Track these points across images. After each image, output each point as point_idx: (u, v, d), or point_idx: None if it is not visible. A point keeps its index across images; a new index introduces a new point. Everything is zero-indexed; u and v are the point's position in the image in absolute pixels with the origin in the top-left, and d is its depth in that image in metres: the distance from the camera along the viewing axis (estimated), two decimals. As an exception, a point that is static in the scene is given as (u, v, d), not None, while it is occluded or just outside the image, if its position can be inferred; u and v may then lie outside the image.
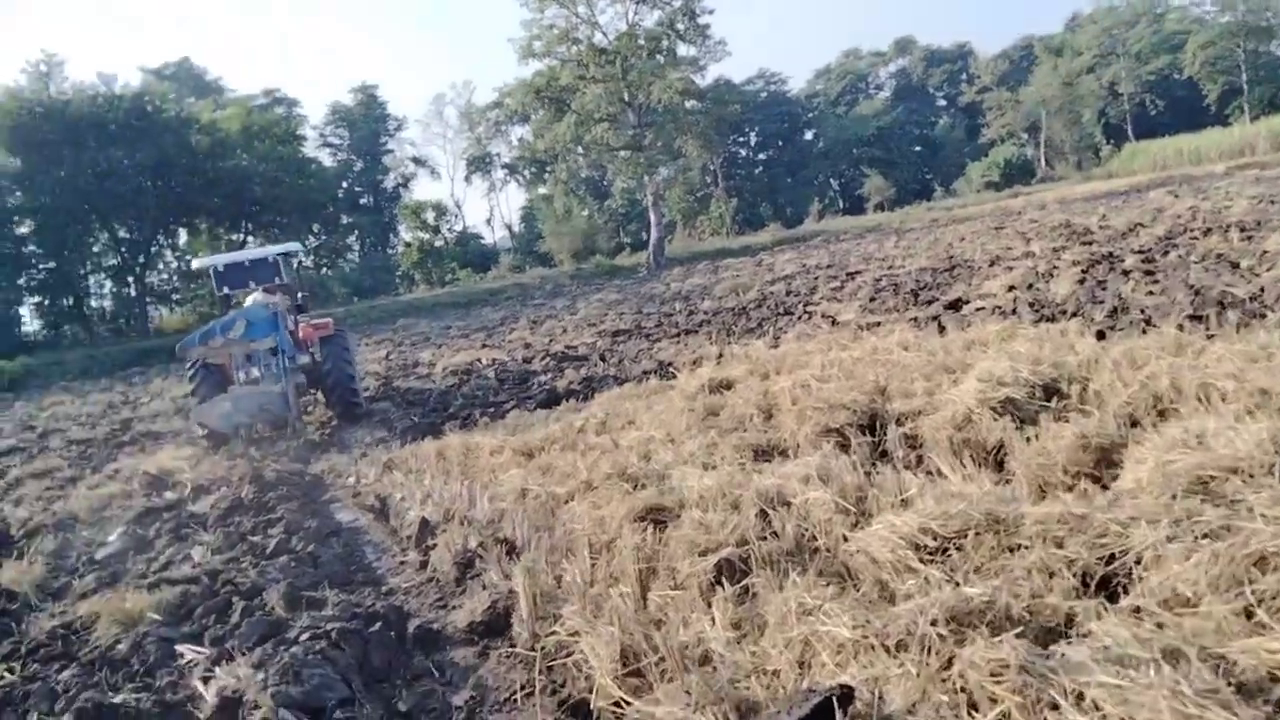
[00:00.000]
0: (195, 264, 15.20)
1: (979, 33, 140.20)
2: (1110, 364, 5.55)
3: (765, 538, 3.79)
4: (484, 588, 4.47)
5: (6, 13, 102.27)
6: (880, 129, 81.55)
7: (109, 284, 52.62)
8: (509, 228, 77.68)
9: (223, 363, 12.00)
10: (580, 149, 48.63)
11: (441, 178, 80.00)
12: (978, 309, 10.48)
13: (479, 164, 78.42)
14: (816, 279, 20.44)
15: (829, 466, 4.62)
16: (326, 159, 70.99)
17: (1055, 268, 13.63)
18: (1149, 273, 11.41)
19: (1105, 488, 3.86)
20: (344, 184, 71.62)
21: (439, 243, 55.18)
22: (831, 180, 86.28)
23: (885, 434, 5.32)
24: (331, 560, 5.24)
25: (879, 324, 10.56)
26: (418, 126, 79.30)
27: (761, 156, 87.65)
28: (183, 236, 53.62)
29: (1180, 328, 6.77)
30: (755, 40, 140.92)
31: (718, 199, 62.57)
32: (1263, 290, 8.43)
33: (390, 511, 6.25)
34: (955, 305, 11.50)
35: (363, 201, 76.41)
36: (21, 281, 46.80)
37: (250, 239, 52.94)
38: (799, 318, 13.44)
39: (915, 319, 10.50)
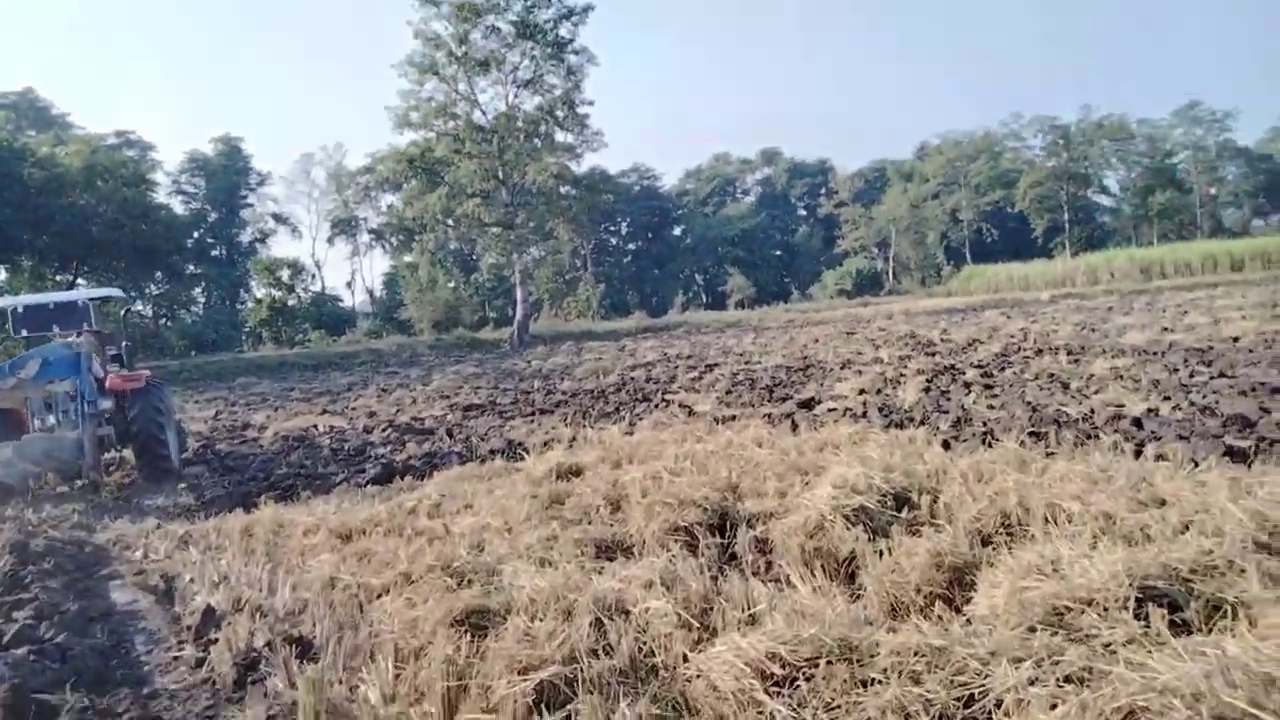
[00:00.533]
0: None
1: (837, 151, 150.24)
2: (959, 476, 5.49)
3: (598, 653, 3.35)
4: (265, 696, 3.78)
5: None
6: (745, 231, 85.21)
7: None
8: (370, 292, 75.54)
9: (16, 407, 10.70)
10: (450, 222, 48.08)
11: (303, 237, 77.26)
12: (830, 409, 10.54)
13: (344, 226, 76.35)
14: (676, 368, 20.48)
15: (675, 570, 4.26)
16: (179, 207, 67.38)
17: (902, 375, 14.07)
18: (988, 386, 11.88)
19: (959, 610, 3.65)
20: (195, 234, 67.96)
21: (292, 301, 52.73)
22: (696, 275, 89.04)
23: (736, 536, 5.01)
24: (87, 654, 4.37)
25: (734, 417, 10.45)
26: (283, 183, 76.34)
27: (631, 246, 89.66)
28: (3, 275, 49.07)
29: (1021, 443, 6.89)
30: (631, 135, 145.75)
31: (586, 282, 63.04)
32: (1093, 412, 8.82)
33: (176, 595, 5.40)
34: (809, 404, 11.58)
35: (214, 254, 72.66)
36: None
37: (81, 281, 49.10)
38: (656, 405, 13.24)
39: (770, 415, 10.44)
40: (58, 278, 47.74)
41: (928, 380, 13.03)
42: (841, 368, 16.98)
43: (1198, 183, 77.35)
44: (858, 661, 2.92)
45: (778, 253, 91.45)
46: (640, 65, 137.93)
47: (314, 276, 65.61)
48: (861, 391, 12.56)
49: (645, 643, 3.47)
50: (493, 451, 9.14)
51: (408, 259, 65.90)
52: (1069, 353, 15.17)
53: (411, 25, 45.42)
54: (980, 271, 68.23)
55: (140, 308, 59.55)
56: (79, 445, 10.13)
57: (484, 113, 47.37)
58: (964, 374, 13.66)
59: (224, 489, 8.65)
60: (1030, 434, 7.63)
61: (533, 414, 14.01)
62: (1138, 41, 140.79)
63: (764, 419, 9.70)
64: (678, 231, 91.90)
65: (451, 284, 54.14)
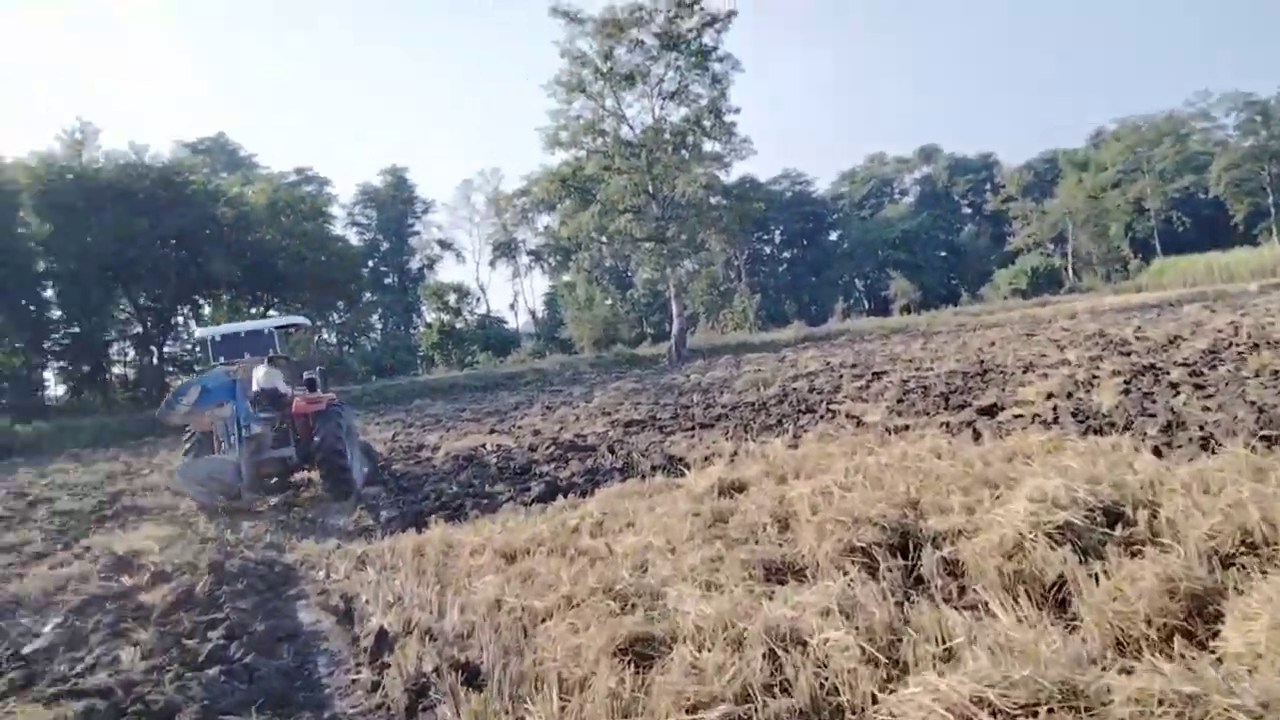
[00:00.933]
0: (196, 334, 15.00)
1: (999, 145, 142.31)
2: (1180, 487, 4.81)
3: (774, 691, 3.04)
4: (434, 725, 3.71)
5: (52, 81, 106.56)
6: (905, 233, 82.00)
7: (131, 352, 52.86)
8: (532, 313, 78.01)
9: (211, 430, 11.57)
10: (604, 239, 48.90)
11: (466, 261, 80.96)
12: (1015, 416, 9.73)
13: (504, 249, 79.31)
14: (841, 377, 19.75)
15: (854, 596, 3.88)
16: (354, 238, 72.07)
17: (1095, 377, 12.89)
18: (1199, 387, 10.66)
19: (1204, 647, 3.09)
20: (369, 263, 72.49)
21: (460, 325, 55.19)
22: (856, 281, 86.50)
23: (920, 557, 4.57)
24: (272, 675, 4.48)
25: (907, 427, 9.83)
26: (445, 210, 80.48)
27: (786, 254, 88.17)
28: (207, 308, 54.08)
29: (1251, 448, 6.01)
30: (781, 140, 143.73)
31: (741, 294, 62.52)
32: (1334, 411, 7.67)
33: (355, 615, 5.50)
34: (990, 411, 10.75)
35: (387, 281, 77.23)
36: (46, 346, 47.20)
37: (271, 312, 53.26)
38: (821, 416, 12.70)
39: (947, 424, 9.76)
40: (252, 310, 52.10)
41: (1126, 382, 11.86)
42: (1024, 371, 15.80)
43: None
44: (1086, 710, 2.48)
45: (942, 254, 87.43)
46: (785, 68, 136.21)
47: (479, 299, 68.51)
48: (1050, 396, 11.56)
49: (826, 679, 3.14)
50: (654, 467, 8.98)
51: (565, 278, 67.65)
52: (1291, 346, 13.48)
53: (558, 45, 46.58)
54: (1174, 263, 62.50)
55: (325, 335, 64.08)
56: (236, 469, 10.70)
57: (631, 127, 47.96)
58: (1168, 374, 12.36)
59: (399, 509, 8.92)
60: (1261, 438, 6.67)
61: (693, 428, 13.79)
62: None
63: (941, 428, 9.06)
64: (834, 237, 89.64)
65: (609, 301, 55.04)
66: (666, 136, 47.12)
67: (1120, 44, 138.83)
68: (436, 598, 5.18)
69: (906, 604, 3.89)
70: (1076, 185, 72.98)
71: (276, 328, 13.09)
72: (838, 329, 50.79)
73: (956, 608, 3.89)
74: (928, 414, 11.49)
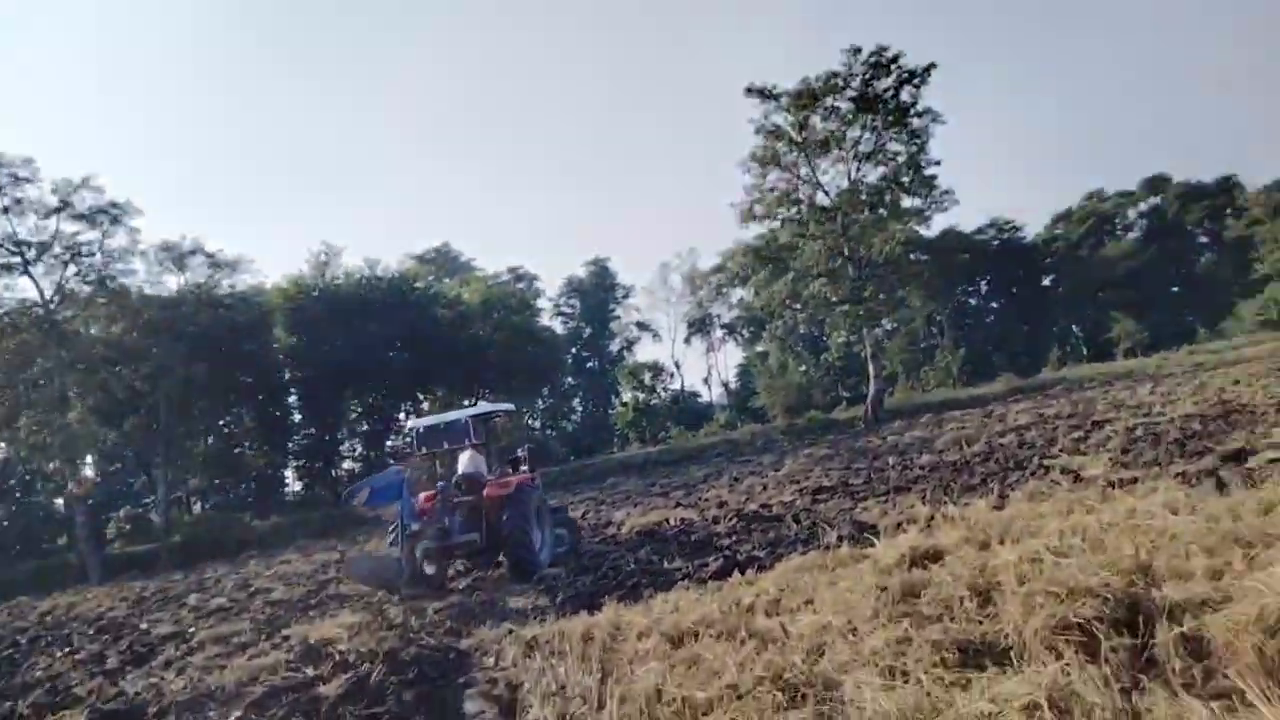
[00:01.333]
0: (407, 425, 16.07)
1: (1238, 166, 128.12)
2: None
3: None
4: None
5: (306, 211, 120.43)
6: (1130, 270, 75.33)
7: (360, 447, 57.45)
8: (725, 385, 78.04)
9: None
10: (798, 305, 48.24)
11: (662, 339, 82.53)
12: (1270, 461, 8.25)
13: (699, 325, 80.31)
14: (1055, 429, 17.95)
15: (1069, 684, 3.19)
16: (559, 327, 75.51)
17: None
18: None
19: None
20: (573, 349, 75.46)
21: (654, 401, 55.91)
22: (1073, 327, 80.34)
23: (1152, 634, 3.74)
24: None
25: (1135, 480, 8.58)
26: (643, 293, 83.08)
27: (993, 305, 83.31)
28: (425, 404, 58.02)
29: None
30: (985, 187, 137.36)
31: (943, 349, 59.46)
32: None
33: (518, 706, 5.27)
34: (1238, 456, 9.23)
35: (589, 365, 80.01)
36: (289, 446, 52.30)
37: (481, 403, 56.15)
38: (1032, 473, 11.43)
39: (1183, 474, 8.43)
40: (465, 402, 55.38)
41: None
42: (1278, 411, 13.68)
43: None
44: None
45: (1174, 289, 79.67)
46: (984, 115, 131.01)
47: (673, 376, 69.37)
48: (1315, 437, 9.83)
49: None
50: (840, 537, 8.28)
51: (758, 348, 67.21)
52: None
53: (753, 122, 46.97)
54: None
55: (530, 420, 66.89)
56: (399, 565, 11.09)
57: (826, 193, 47.34)
58: None
59: (575, 589, 8.72)
60: None
61: (887, 493, 12.84)
62: None
63: (1176, 480, 7.81)
64: (1047, 282, 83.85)
65: (802, 368, 53.94)
66: (863, 197, 46.13)
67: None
68: (597, 686, 4.85)
69: (1136, 693, 3.14)
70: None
71: (473, 416, 13.60)
72: (1052, 379, 46.94)
73: (1200, 697, 3.10)
74: (1159, 464, 10.05)
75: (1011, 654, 3.95)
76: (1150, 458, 10.63)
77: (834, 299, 46.46)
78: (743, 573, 7.46)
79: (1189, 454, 10.41)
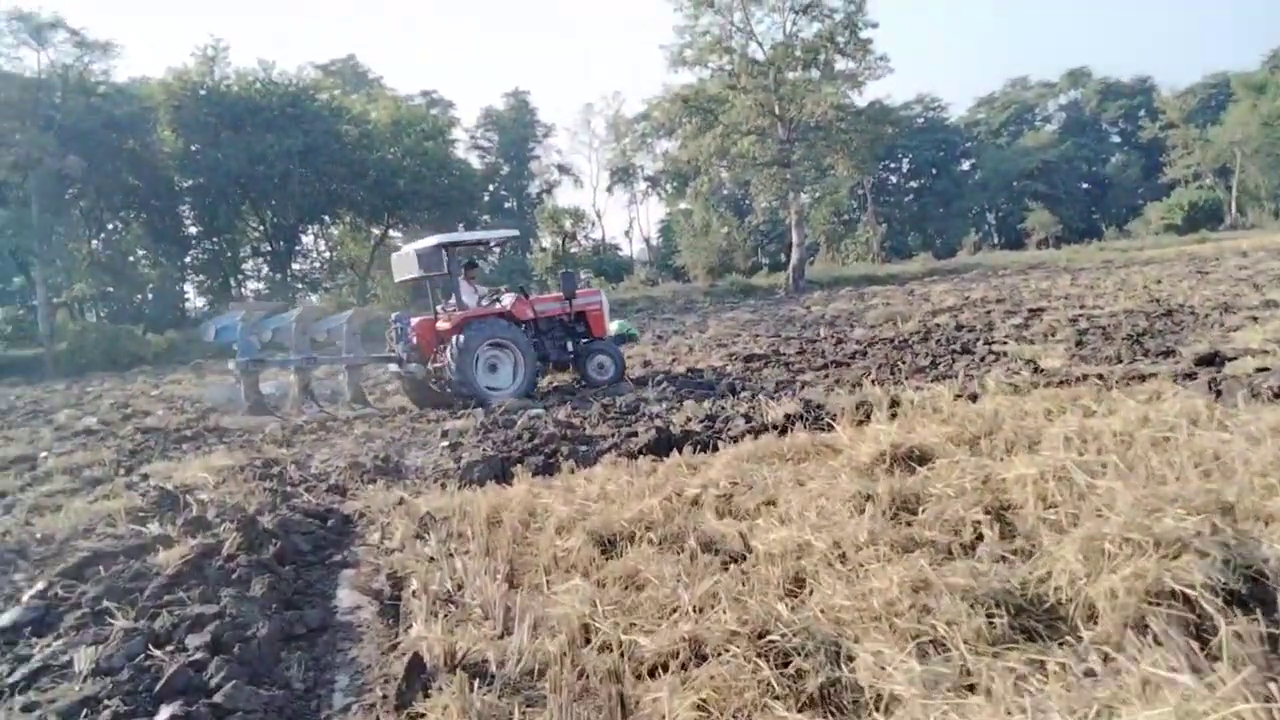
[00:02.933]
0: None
1: (1158, 67, 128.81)
2: None
3: None
4: None
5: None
6: (1046, 163, 76.33)
7: (265, 267, 54.08)
8: (646, 240, 76.59)
9: None
10: (725, 163, 46.45)
11: (584, 186, 79.93)
12: (1260, 370, 7.53)
13: (622, 175, 77.76)
14: (990, 313, 17.42)
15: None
16: (475, 161, 71.69)
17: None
18: None
19: None
20: (490, 187, 72.11)
21: (574, 249, 54.12)
22: (988, 213, 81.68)
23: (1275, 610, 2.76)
24: (256, 708, 3.11)
25: (1101, 377, 7.82)
26: (565, 134, 79.27)
27: (913, 184, 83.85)
28: (333, 228, 54.57)
29: None
30: (914, 61, 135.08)
31: (866, 223, 59.08)
32: None
33: (399, 611, 4.12)
34: (1210, 360, 8.54)
35: (507, 205, 76.93)
36: (186, 260, 48.78)
37: (392, 233, 53.42)
38: (984, 359, 10.67)
39: (1157, 376, 7.66)
40: (374, 229, 52.30)
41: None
42: (1220, 313, 13.26)
43: None
44: None
45: (1085, 186, 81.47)
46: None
47: (594, 225, 67.29)
48: (1282, 344, 9.23)
49: None
50: (789, 417, 7.28)
51: (682, 205, 65.60)
52: None
53: (689, -43, 43.71)
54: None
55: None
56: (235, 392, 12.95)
57: (760, 44, 44.93)
58: None
59: (483, 451, 7.55)
60: None
61: (825, 367, 11.98)
62: None
63: (1168, 381, 7.00)
64: (966, 166, 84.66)
65: (725, 229, 52.69)
66: (797, 54, 43.94)
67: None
68: (502, 600, 3.70)
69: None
70: (1250, 110, 65.75)
71: (445, 244, 12.75)
72: (969, 263, 47.35)
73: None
74: (1120, 361, 9.36)
75: (1077, 623, 2.93)
76: (1109, 354, 9.92)
77: (762, 159, 44.92)
78: (680, 450, 6.39)
79: (1150, 353, 9.73)
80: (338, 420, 11.98)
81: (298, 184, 44.37)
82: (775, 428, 7.13)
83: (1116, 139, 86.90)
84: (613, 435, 7.67)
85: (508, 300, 13.15)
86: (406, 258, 12.82)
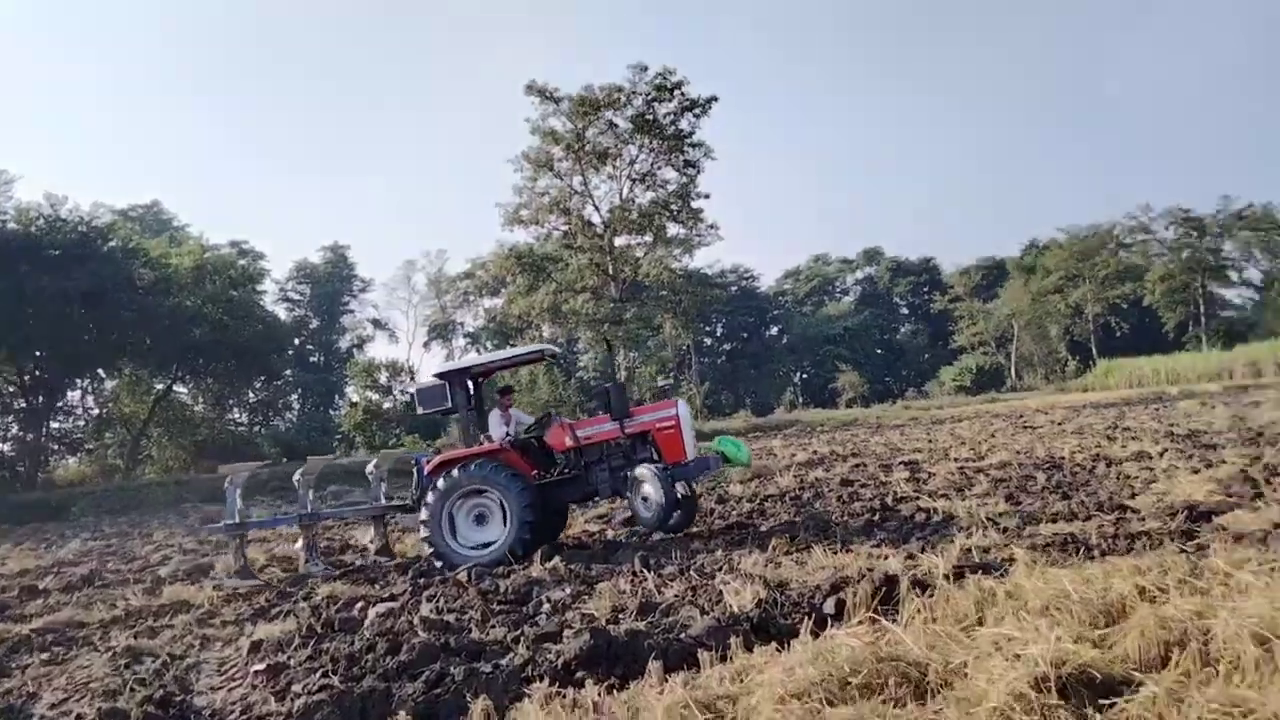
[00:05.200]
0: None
1: (938, 249, 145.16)
2: None
3: None
4: None
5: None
6: (847, 329, 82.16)
7: (16, 427, 46.19)
8: (466, 397, 73.95)
9: None
10: (557, 319, 45.93)
11: (399, 342, 76.77)
12: (1263, 534, 6.45)
13: (441, 331, 75.77)
14: (860, 469, 16.45)
15: None
16: (283, 313, 67.47)
17: (1252, 476, 9.81)
18: None
19: None
20: (296, 340, 67.73)
21: (388, 405, 50.69)
22: (796, 374, 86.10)
23: None
24: None
25: (1116, 537, 6.54)
26: (384, 290, 76.60)
27: (726, 346, 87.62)
28: (108, 381, 48.19)
29: None
30: (729, 234, 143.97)
31: (688, 380, 59.73)
32: None
33: None
34: (1192, 514, 7.50)
35: (313, 359, 72.47)
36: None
37: (178, 386, 48.11)
38: (923, 521, 9.26)
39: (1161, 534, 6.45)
40: (157, 384, 46.64)
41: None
42: (1106, 465, 12.77)
43: (1347, 279, 71.34)
44: None
45: (879, 351, 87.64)
46: (731, 163, 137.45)
47: (412, 378, 64.19)
48: (1231, 496, 8.44)
49: None
50: (761, 604, 5.32)
51: (500, 361, 64.01)
52: None
53: (529, 122, 44.45)
54: (1119, 365, 62.79)
55: (236, 415, 58.63)
56: None
57: (597, 208, 45.64)
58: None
59: (323, 681, 5.02)
60: None
61: (728, 529, 10.30)
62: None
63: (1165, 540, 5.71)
64: (774, 331, 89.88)
65: (551, 384, 51.30)
66: (633, 217, 44.89)
67: (1059, 157, 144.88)
68: None
69: None
70: (1022, 288, 74.06)
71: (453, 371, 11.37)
72: (787, 419, 48.23)
73: None
74: (1079, 517, 8.24)
75: None
76: (1063, 509, 8.77)
77: (594, 317, 44.70)
78: (626, 667, 4.28)
79: (1103, 506, 8.67)
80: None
81: (74, 330, 38.97)
82: (748, 620, 5.19)
83: (905, 310, 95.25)
84: (518, 643, 5.41)
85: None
86: (423, 391, 11.31)
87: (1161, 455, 12.97)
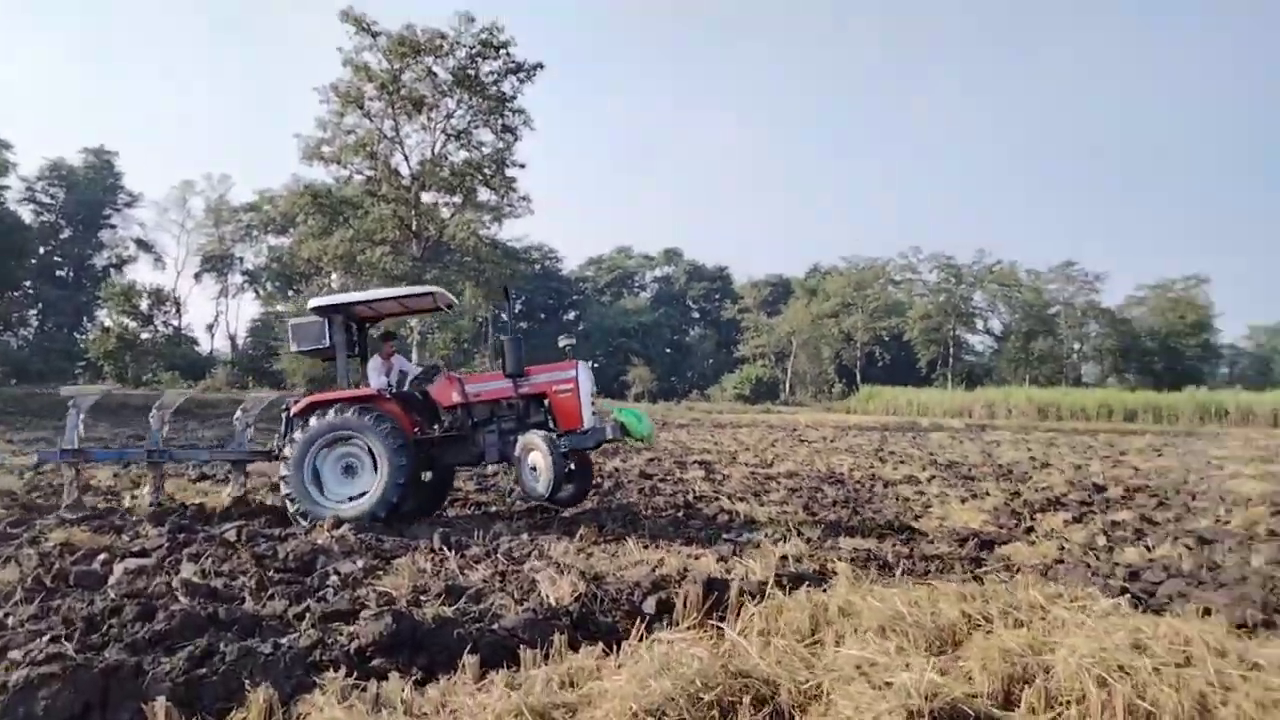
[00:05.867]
0: None
1: (731, 260, 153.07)
2: None
3: None
4: None
5: None
6: (642, 324, 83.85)
7: None
8: (232, 338, 68.53)
9: None
10: (349, 268, 43.16)
11: (167, 269, 69.66)
12: (1056, 564, 6.91)
13: (216, 263, 69.59)
14: (658, 462, 16.54)
15: None
16: (27, 214, 59.33)
17: (1017, 508, 10.68)
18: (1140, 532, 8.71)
19: None
20: (42, 249, 59.86)
21: (146, 335, 45.85)
22: (589, 363, 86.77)
23: None
24: None
25: (912, 557, 6.74)
26: (155, 208, 68.74)
27: (523, 325, 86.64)
28: None
29: None
30: (538, 211, 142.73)
31: (485, 354, 58.53)
32: None
33: None
34: (979, 540, 7.92)
35: (60, 273, 64.39)
36: None
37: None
38: (713, 519, 9.27)
39: (951, 559, 6.74)
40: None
41: (1076, 519, 9.69)
42: (884, 486, 13.54)
43: (1067, 336, 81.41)
44: None
45: (669, 351, 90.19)
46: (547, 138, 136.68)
47: (176, 310, 58.46)
48: (1004, 525, 9.08)
49: None
50: (580, 598, 4.96)
51: (280, 307, 59.93)
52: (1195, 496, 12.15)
53: (342, 52, 41.39)
54: (879, 392, 68.30)
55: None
56: None
57: (406, 157, 43.33)
58: (1114, 504, 10.45)
59: (52, 651, 4.11)
60: None
61: (530, 512, 9.87)
62: (1020, 189, 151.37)
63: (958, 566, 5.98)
64: (572, 316, 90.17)
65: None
66: (445, 175, 42.97)
67: (856, 187, 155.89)
68: None
69: None
70: (804, 308, 78.58)
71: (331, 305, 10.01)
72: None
73: None
74: (870, 534, 8.53)
75: None
76: (857, 524, 9.06)
77: (395, 273, 42.55)
78: (432, 655, 3.78)
79: (895, 528, 9.03)
80: None
81: None
82: (568, 615, 4.81)
83: (697, 314, 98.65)
84: (302, 620, 4.72)
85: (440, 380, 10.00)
86: (298, 327, 9.93)
87: (930, 481, 13.88)
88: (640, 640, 4.25)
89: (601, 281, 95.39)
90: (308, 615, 4.74)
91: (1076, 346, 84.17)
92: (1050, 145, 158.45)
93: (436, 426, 9.78)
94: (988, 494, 11.89)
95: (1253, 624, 4.82)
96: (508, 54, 42.78)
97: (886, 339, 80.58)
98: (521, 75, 43.33)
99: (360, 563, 6.16)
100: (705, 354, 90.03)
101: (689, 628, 4.42)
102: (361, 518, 8.45)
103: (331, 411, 9.11)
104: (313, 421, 9.12)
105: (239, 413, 11.06)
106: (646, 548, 6.92)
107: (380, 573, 5.90)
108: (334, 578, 5.77)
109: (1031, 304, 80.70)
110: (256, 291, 69.77)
